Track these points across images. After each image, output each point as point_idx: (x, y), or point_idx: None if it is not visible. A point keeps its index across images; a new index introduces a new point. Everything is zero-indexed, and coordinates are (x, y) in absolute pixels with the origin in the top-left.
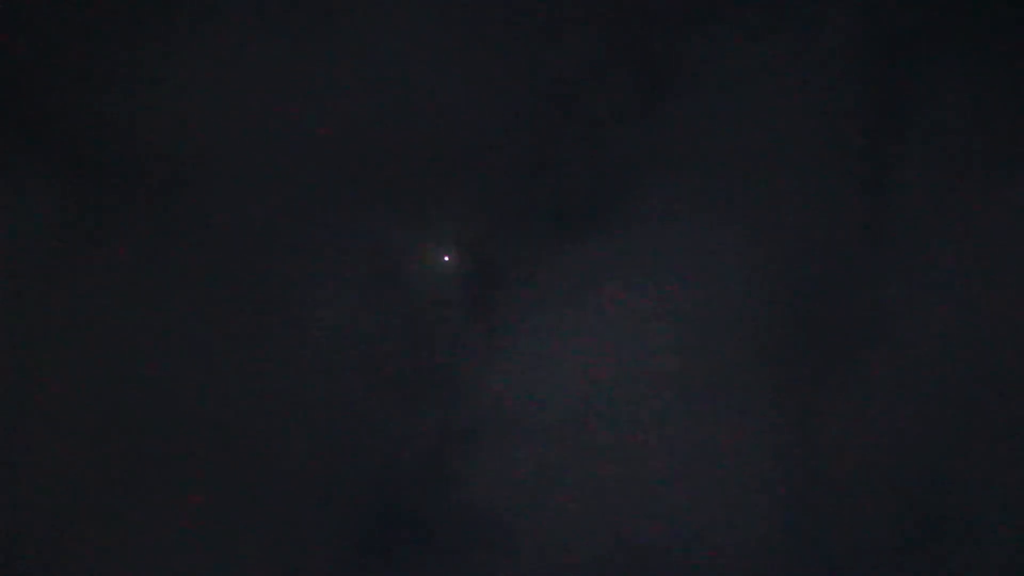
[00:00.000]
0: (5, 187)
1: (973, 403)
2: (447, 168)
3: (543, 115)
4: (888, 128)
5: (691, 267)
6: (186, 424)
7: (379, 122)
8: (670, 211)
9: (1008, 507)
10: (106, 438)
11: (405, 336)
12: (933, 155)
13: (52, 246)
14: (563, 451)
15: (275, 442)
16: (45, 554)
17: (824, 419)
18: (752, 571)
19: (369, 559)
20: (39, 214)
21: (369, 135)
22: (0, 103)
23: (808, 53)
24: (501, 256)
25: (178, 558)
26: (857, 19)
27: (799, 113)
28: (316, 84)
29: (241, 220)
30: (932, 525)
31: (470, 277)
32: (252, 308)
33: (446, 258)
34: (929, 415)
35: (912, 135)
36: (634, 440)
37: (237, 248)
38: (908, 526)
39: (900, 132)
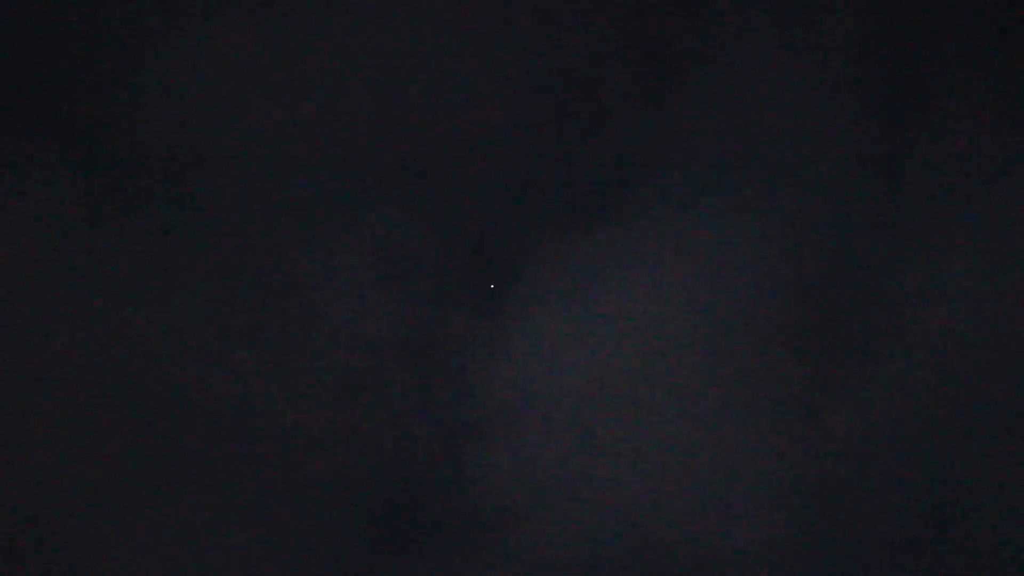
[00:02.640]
0: (18, 175)
1: (988, 400)
2: (455, 160)
3: (552, 104)
4: (903, 117)
5: (701, 258)
6: (195, 417)
7: (387, 115)
8: (680, 202)
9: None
10: (114, 431)
11: (415, 329)
12: (949, 145)
13: (62, 237)
14: (575, 444)
15: (285, 437)
16: (53, 550)
17: (838, 413)
18: (763, 564)
19: (380, 553)
20: (49, 202)
21: (378, 127)
22: (15, 92)
23: (822, 41)
24: (511, 248)
25: (187, 552)
26: (872, 6)
27: (812, 102)
28: (327, 75)
29: (254, 213)
30: (945, 522)
31: (480, 269)
32: (261, 302)
33: (492, 286)
34: (943, 412)
35: (928, 124)
36: (647, 433)
37: (248, 241)
38: (921, 523)
39: (915, 121)
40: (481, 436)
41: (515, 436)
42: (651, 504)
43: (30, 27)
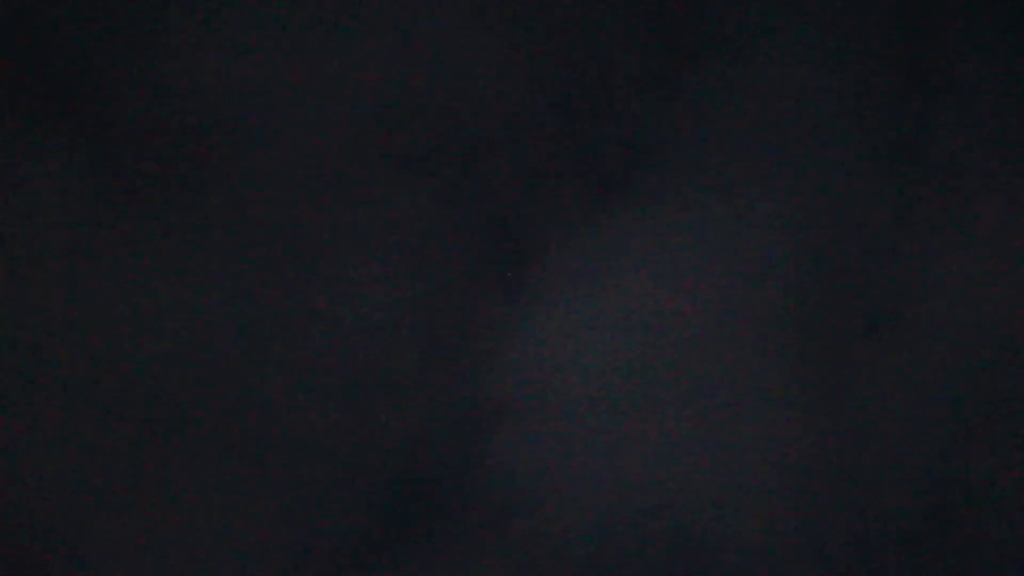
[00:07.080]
0: (23, 168)
1: (1000, 393)
2: (473, 146)
3: (571, 84)
4: (920, 103)
5: (718, 241)
6: (215, 404)
7: (404, 103)
8: (698, 185)
9: None
10: (132, 421)
11: (434, 315)
12: (964, 133)
13: (75, 221)
14: (594, 430)
15: (304, 421)
16: (67, 541)
17: (854, 404)
18: (779, 553)
19: (398, 538)
20: (63, 185)
21: (395, 115)
22: (26, 70)
23: (843, 22)
24: (531, 232)
25: (201, 537)
26: None
27: (828, 86)
28: (346, 62)
29: (273, 200)
30: (956, 515)
31: (499, 251)
32: (281, 288)
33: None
34: (958, 404)
35: (945, 111)
36: (667, 419)
37: (268, 228)
38: (932, 515)
39: (932, 108)
40: (501, 421)
41: (535, 421)
42: (672, 491)
43: (36, 17)
